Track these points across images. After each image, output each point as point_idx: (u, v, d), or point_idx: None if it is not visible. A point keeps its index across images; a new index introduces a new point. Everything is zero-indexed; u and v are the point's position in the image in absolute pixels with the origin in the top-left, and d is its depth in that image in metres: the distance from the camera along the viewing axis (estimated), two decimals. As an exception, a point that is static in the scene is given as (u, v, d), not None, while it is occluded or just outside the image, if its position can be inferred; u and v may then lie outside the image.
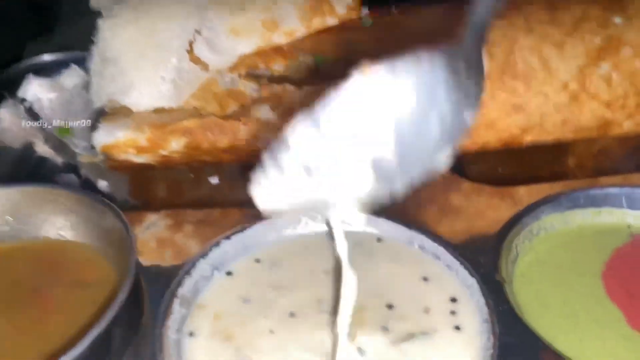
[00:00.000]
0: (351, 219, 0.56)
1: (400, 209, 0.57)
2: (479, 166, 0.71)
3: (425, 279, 0.52)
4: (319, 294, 0.50)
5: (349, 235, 0.52)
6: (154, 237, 0.58)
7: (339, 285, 0.46)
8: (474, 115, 0.34)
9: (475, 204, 0.62)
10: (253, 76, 0.61)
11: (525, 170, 0.69)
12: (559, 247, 0.56)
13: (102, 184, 0.68)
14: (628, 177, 0.63)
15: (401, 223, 0.56)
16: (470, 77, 0.34)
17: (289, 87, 0.56)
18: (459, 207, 0.62)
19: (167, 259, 0.54)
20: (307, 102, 0.56)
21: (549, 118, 0.61)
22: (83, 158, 0.65)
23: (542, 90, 0.60)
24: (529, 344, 0.44)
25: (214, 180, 0.69)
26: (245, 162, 0.63)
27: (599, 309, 0.48)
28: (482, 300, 0.48)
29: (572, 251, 0.55)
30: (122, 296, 0.41)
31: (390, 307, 0.49)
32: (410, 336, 0.46)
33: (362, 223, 0.57)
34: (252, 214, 0.59)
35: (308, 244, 0.56)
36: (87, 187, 0.65)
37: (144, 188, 0.70)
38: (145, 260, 0.54)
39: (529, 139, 0.63)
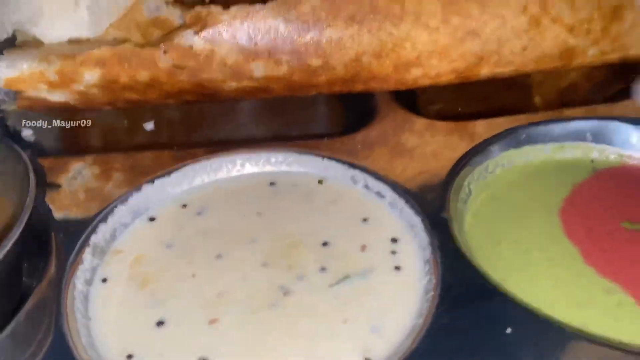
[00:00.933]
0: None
1: (350, 150, 0.52)
2: (436, 106, 0.66)
3: (365, 219, 0.47)
4: (251, 234, 0.45)
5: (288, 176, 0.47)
6: (82, 188, 0.52)
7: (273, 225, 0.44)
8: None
9: (431, 143, 0.57)
10: (180, 2, 0.54)
11: (487, 108, 0.63)
12: (516, 184, 0.51)
13: (27, 133, 0.62)
14: (593, 109, 0.58)
15: (345, 163, 0.51)
16: None
17: (215, 9, 0.50)
18: (413, 147, 0.57)
19: (93, 211, 0.48)
20: (234, 24, 0.50)
21: (507, 45, 0.55)
22: (5, 105, 0.59)
23: (499, 13, 0.54)
24: (475, 285, 0.39)
25: (149, 126, 0.63)
26: (176, 104, 0.57)
27: (553, 247, 0.44)
28: (425, 240, 0.43)
29: (530, 188, 0.51)
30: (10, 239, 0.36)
31: (325, 244, 0.44)
32: (345, 277, 0.41)
33: (303, 164, 0.52)
34: (185, 156, 0.53)
35: (242, 187, 0.51)
36: (12, 136, 0.59)
37: (73, 135, 0.64)
38: (71, 214, 0.48)
39: (486, 70, 0.57)
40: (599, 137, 0.55)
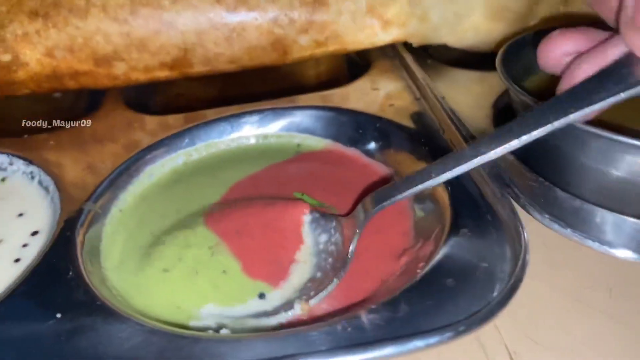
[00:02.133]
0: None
1: (81, 147, 0.50)
2: (162, 97, 0.65)
3: (21, 214, 0.45)
4: None
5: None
6: None
7: None
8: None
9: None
10: None
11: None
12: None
13: None
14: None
15: (25, 159, 0.50)
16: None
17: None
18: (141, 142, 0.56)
19: None
20: None
21: (206, 36, 0.54)
22: None
23: (192, 3, 0.53)
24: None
25: None
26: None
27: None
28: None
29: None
30: None
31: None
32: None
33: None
34: None
35: None
36: None
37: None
38: None
39: (199, 63, 0.56)
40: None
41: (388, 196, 0.39)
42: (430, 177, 0.36)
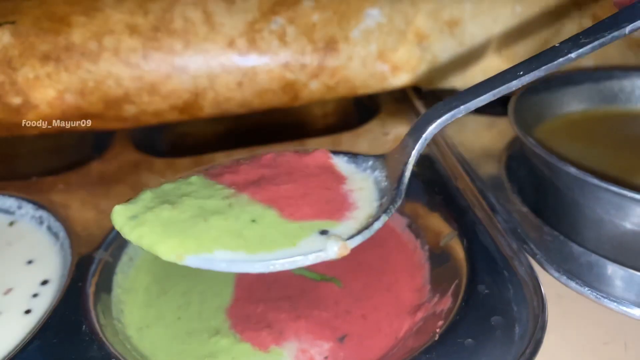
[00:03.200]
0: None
1: (90, 189, 0.51)
2: (169, 135, 0.65)
3: (30, 261, 0.45)
4: None
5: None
6: None
7: None
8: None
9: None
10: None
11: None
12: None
13: None
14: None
15: (34, 202, 0.49)
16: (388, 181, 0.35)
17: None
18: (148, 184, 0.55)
19: None
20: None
21: (218, 80, 0.54)
22: None
23: (203, 47, 0.53)
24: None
25: None
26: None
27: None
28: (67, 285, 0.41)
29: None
30: None
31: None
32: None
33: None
34: None
35: None
36: None
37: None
38: None
39: (208, 106, 0.56)
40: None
41: (444, 110, 0.34)
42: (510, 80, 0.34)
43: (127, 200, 0.34)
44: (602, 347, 0.37)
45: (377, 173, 0.37)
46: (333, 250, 0.30)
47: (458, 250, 0.42)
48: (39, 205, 0.50)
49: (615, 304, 0.37)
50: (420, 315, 0.39)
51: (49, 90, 0.52)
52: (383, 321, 0.39)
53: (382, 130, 0.59)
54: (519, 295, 0.37)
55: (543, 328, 0.34)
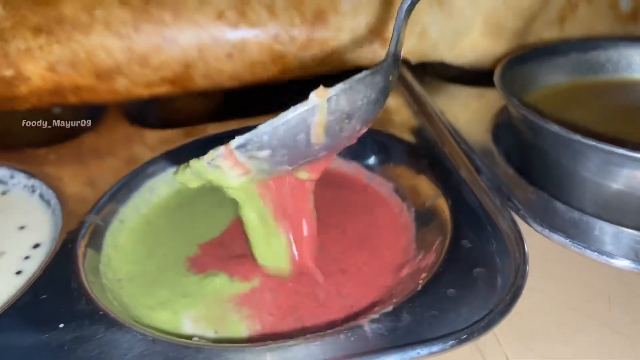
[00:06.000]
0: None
1: (79, 158, 0.51)
2: (162, 110, 0.65)
3: (22, 227, 0.46)
4: None
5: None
6: None
7: None
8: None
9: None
10: None
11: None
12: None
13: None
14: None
15: (27, 172, 0.50)
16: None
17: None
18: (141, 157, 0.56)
19: None
20: None
21: (208, 52, 0.55)
22: None
23: (193, 18, 0.54)
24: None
25: None
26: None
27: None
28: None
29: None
30: None
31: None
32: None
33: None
34: None
35: None
36: None
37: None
38: None
39: (200, 78, 0.56)
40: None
41: None
42: None
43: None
44: (586, 302, 0.37)
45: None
46: (312, 96, 0.31)
47: (444, 209, 0.42)
48: (31, 174, 0.50)
49: (597, 254, 0.38)
50: (405, 272, 0.40)
51: (40, 62, 0.53)
52: (370, 277, 0.40)
53: (371, 101, 0.59)
54: (501, 248, 0.38)
55: (524, 276, 0.35)
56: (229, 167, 0.35)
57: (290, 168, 0.35)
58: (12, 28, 0.52)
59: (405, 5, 0.38)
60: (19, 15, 0.52)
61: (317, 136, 0.33)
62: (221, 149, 0.33)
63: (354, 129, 0.35)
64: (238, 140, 0.33)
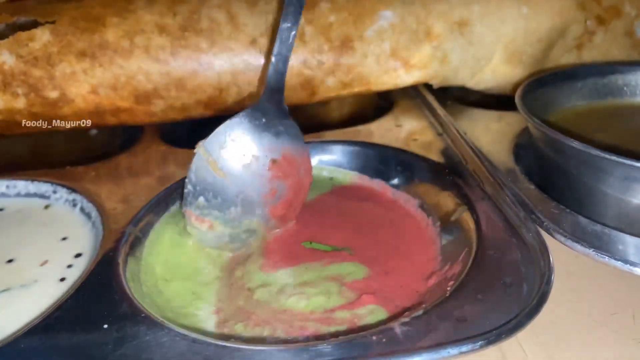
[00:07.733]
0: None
1: (115, 178, 0.54)
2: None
3: (64, 238, 0.48)
4: None
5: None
6: None
7: None
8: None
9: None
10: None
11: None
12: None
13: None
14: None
15: (68, 187, 0.53)
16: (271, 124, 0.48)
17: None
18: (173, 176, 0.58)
19: None
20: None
21: (240, 76, 0.58)
22: None
23: (228, 45, 0.57)
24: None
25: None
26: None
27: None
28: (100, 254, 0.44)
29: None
30: None
31: (10, 261, 0.46)
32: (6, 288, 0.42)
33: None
34: None
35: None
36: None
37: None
38: None
39: (232, 104, 0.59)
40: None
41: None
42: None
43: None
44: (610, 315, 0.38)
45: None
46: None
47: (469, 222, 0.44)
48: (73, 189, 0.53)
49: (621, 263, 0.39)
50: (432, 281, 0.41)
51: (84, 84, 0.56)
52: (403, 279, 0.41)
53: (395, 123, 0.61)
54: (526, 258, 0.39)
55: (549, 283, 0.36)
56: (199, 225, 0.45)
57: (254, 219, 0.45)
58: (59, 53, 0.55)
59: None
60: (65, 40, 0.55)
61: (218, 172, 0.46)
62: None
63: (262, 164, 0.47)
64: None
